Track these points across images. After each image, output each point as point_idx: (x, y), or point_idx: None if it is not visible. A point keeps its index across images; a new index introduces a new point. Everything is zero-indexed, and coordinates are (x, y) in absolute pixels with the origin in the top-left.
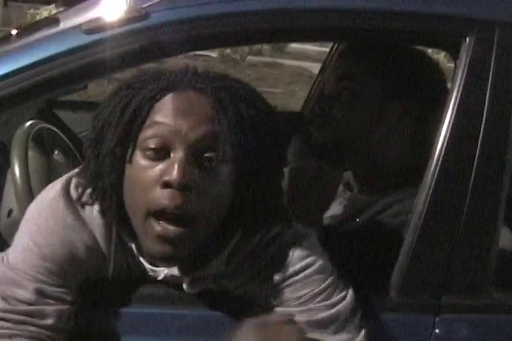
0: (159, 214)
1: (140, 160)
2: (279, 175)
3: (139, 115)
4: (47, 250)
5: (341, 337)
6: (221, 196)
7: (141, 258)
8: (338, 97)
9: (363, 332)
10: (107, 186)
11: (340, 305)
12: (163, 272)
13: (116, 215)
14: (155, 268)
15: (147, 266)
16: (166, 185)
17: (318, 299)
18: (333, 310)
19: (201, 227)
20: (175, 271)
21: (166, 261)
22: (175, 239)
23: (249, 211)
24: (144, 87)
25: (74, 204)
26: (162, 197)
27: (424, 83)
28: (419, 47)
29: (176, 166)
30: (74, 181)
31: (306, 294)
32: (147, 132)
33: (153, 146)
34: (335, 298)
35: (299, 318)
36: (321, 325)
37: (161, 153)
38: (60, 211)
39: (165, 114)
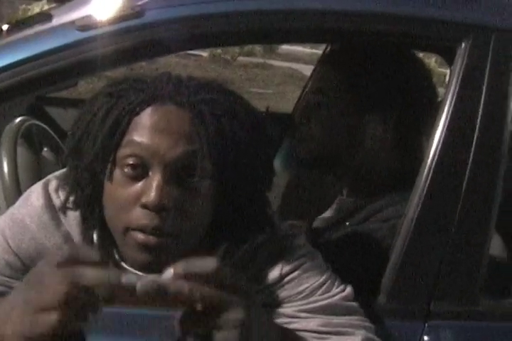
0: (139, 230)
1: (119, 177)
2: (265, 186)
3: (117, 130)
4: (13, 243)
5: (349, 318)
6: (202, 211)
7: (123, 264)
8: (314, 110)
9: (363, 314)
10: (86, 197)
11: (343, 294)
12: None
13: (97, 223)
14: (140, 273)
15: (131, 270)
16: (144, 206)
17: (319, 292)
18: (336, 297)
19: (183, 237)
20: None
21: (149, 269)
22: (157, 248)
23: (234, 222)
24: (123, 96)
25: (54, 206)
26: (141, 217)
27: (408, 91)
28: (409, 53)
29: (153, 188)
30: (54, 183)
31: (306, 288)
32: (125, 150)
33: (131, 165)
34: (335, 290)
35: (303, 307)
36: (326, 310)
37: (140, 171)
38: (38, 209)
39: (142, 133)
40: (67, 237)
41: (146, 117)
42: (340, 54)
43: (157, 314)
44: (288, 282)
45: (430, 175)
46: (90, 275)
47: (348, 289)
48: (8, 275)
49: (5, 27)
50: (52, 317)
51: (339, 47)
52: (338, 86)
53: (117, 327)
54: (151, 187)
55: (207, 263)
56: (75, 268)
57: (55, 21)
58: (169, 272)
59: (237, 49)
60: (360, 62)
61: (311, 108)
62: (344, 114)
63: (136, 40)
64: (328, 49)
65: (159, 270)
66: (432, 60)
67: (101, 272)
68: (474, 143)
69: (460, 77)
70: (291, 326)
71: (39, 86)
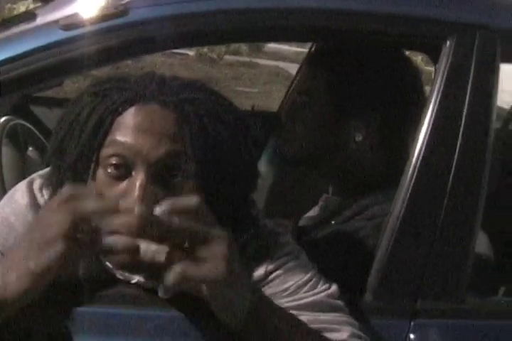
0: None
1: (102, 177)
2: (249, 186)
3: (100, 130)
4: None
5: (334, 314)
6: None
7: (107, 264)
8: (300, 109)
9: (348, 312)
10: None
11: (328, 291)
12: (135, 277)
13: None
14: (125, 273)
15: (116, 271)
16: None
17: (305, 289)
18: (321, 295)
19: None
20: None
21: (132, 271)
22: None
23: (218, 223)
24: (107, 96)
25: (38, 204)
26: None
27: (395, 90)
28: (396, 52)
29: (136, 190)
30: (38, 182)
31: (291, 285)
32: (108, 150)
33: (114, 165)
34: (321, 288)
35: (289, 304)
36: (311, 307)
37: (123, 171)
38: (23, 208)
39: (125, 132)
40: None
41: (129, 117)
42: (326, 53)
43: (147, 314)
44: (273, 279)
45: (415, 173)
46: (89, 204)
47: (333, 287)
48: None
49: None
50: (58, 248)
51: (324, 47)
52: (324, 85)
53: (105, 327)
54: (134, 189)
55: (190, 200)
56: (74, 201)
57: (40, 20)
58: (157, 210)
59: (223, 47)
60: (346, 61)
61: (296, 107)
62: (329, 114)
63: (120, 38)
64: (313, 48)
65: (143, 271)
66: (418, 58)
67: (99, 202)
68: (459, 141)
69: (445, 76)
70: None
71: (24, 85)
